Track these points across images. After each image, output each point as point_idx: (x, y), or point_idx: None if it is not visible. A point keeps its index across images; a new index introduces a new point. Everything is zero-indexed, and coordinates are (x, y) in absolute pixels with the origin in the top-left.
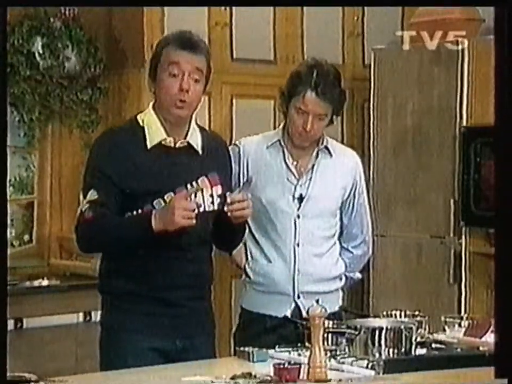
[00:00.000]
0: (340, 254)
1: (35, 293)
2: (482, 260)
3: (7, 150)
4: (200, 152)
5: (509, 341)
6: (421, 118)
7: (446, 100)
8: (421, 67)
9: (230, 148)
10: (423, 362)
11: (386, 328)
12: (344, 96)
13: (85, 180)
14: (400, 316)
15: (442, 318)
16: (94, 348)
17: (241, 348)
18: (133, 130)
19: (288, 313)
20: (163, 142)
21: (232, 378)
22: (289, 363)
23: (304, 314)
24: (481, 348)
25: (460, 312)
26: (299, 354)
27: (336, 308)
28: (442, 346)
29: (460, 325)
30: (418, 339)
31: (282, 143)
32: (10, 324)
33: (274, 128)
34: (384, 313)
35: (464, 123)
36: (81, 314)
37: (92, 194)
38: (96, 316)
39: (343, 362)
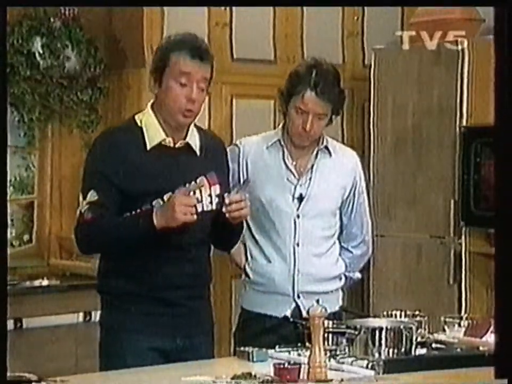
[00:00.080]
0: (340, 254)
1: (35, 293)
2: (482, 260)
3: (7, 150)
4: (198, 152)
5: (509, 341)
6: (421, 118)
7: (446, 100)
8: (420, 67)
9: (229, 148)
10: (423, 362)
11: (386, 328)
12: (343, 96)
13: (84, 181)
14: (400, 316)
15: (442, 318)
16: (94, 348)
17: (241, 348)
18: (132, 130)
19: (288, 313)
20: (162, 143)
21: (232, 378)
22: (289, 363)
23: (304, 314)
24: (481, 348)
25: (460, 312)
26: (299, 354)
27: (336, 308)
28: (442, 346)
29: (459, 325)
30: (418, 339)
31: (282, 143)
32: (10, 324)
33: (274, 128)
34: (384, 313)
35: (464, 123)
36: (81, 314)
37: (92, 195)
38: (96, 316)
39: (343, 362)
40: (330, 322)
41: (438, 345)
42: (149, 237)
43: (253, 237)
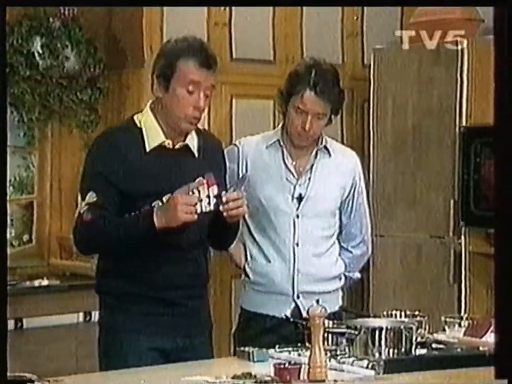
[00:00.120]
0: (339, 254)
1: (35, 293)
2: (482, 260)
3: (7, 150)
4: (196, 153)
5: (509, 341)
6: (421, 118)
7: (446, 100)
8: (420, 67)
9: (229, 148)
10: (423, 362)
11: (386, 328)
12: (343, 96)
13: (83, 182)
14: (400, 316)
15: (442, 318)
16: (94, 348)
17: (241, 348)
18: (131, 131)
19: (288, 313)
20: (162, 144)
21: (232, 378)
22: (289, 363)
23: (304, 314)
24: (481, 348)
25: (460, 312)
26: (299, 354)
27: (336, 308)
28: (442, 346)
29: (460, 325)
30: (418, 339)
31: (282, 143)
32: (10, 324)
33: (274, 128)
34: (384, 313)
35: (464, 123)
36: (81, 314)
37: (91, 196)
38: (96, 316)
39: (343, 362)
40: (330, 322)
41: (438, 345)
42: (149, 237)
43: (253, 237)
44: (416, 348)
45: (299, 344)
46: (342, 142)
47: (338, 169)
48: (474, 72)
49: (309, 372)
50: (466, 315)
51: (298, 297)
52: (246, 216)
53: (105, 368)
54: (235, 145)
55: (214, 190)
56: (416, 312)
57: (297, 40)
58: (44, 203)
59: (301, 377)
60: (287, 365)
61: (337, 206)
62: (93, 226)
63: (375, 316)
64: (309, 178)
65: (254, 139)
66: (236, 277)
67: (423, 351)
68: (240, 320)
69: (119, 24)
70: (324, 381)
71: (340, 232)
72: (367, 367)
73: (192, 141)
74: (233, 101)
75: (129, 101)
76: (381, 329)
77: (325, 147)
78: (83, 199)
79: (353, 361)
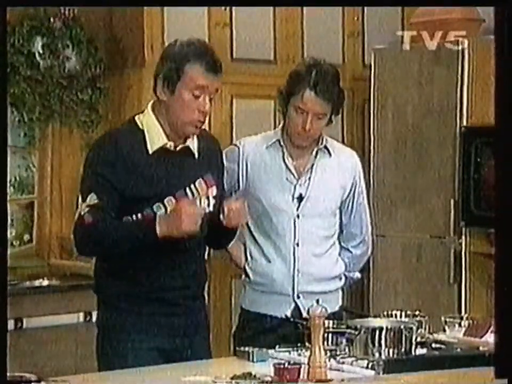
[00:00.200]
0: (340, 254)
1: (35, 293)
2: (482, 260)
3: (8, 150)
4: (197, 154)
5: (509, 341)
6: (421, 118)
7: (446, 100)
8: (421, 67)
9: (229, 148)
10: (423, 362)
11: (386, 328)
12: (343, 95)
13: (84, 183)
14: (400, 316)
15: (442, 318)
16: (94, 348)
17: (241, 348)
18: (133, 133)
19: (288, 313)
20: (164, 146)
21: (232, 378)
22: (289, 363)
23: (304, 314)
24: (481, 348)
25: (460, 312)
26: (299, 354)
27: (336, 308)
28: (442, 346)
29: (460, 325)
30: (418, 339)
31: (282, 143)
32: (10, 324)
33: (274, 128)
34: (384, 313)
35: (464, 123)
36: (81, 314)
37: (92, 198)
38: None
39: (343, 362)
40: (330, 322)
41: (438, 345)
42: (150, 243)
43: (253, 237)
44: (416, 347)
45: (299, 344)
46: (342, 142)
47: (338, 169)
48: (475, 72)
49: (308, 372)
50: (466, 315)
51: (298, 297)
52: None
53: (104, 368)
54: (235, 145)
55: (213, 190)
56: (416, 312)
57: (297, 40)
58: (44, 203)
59: (301, 377)
60: (287, 365)
61: (338, 205)
62: (93, 229)
63: (375, 316)
64: (309, 178)
65: (254, 139)
66: (236, 277)
67: (423, 351)
68: (240, 320)
69: (120, 24)
70: (328, 380)
71: (340, 232)
72: (367, 367)
73: (193, 142)
74: (234, 101)
75: (129, 101)
76: (381, 329)
77: (325, 147)
78: (84, 200)
79: (353, 361)
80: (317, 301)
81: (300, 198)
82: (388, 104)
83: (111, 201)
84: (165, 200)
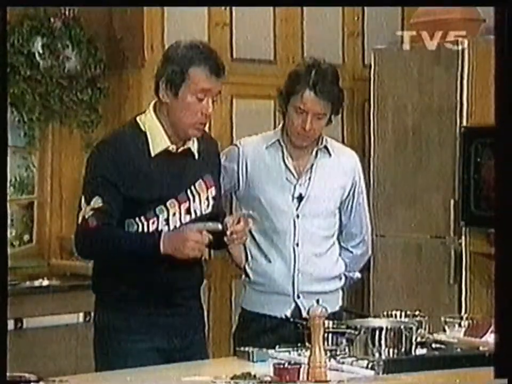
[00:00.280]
0: (340, 254)
1: (35, 293)
2: (482, 260)
3: (8, 150)
4: (197, 155)
5: (509, 341)
6: (421, 118)
7: (446, 100)
8: (421, 67)
9: (229, 148)
10: (423, 362)
11: (386, 328)
12: (342, 95)
13: (87, 185)
14: (400, 316)
15: (442, 318)
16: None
17: (241, 348)
18: (136, 135)
19: (288, 313)
20: (166, 149)
21: (232, 378)
22: (289, 363)
23: (304, 314)
24: (481, 348)
25: (460, 312)
26: (299, 354)
27: (336, 308)
28: (442, 346)
29: (460, 325)
30: (418, 339)
31: (282, 143)
32: (10, 324)
33: (274, 128)
34: (384, 313)
35: (464, 123)
36: (81, 314)
37: (97, 202)
38: None
39: (343, 362)
40: (330, 322)
41: (438, 345)
42: (152, 257)
43: (253, 237)
44: (416, 347)
45: (299, 344)
46: (342, 142)
47: (338, 169)
48: (475, 72)
49: (308, 372)
50: (466, 315)
51: (298, 297)
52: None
53: (103, 368)
54: (235, 145)
55: (212, 191)
56: (416, 312)
57: (297, 40)
58: (44, 203)
59: (301, 377)
60: (287, 365)
61: (337, 205)
62: (97, 233)
63: (375, 316)
64: (309, 178)
65: (254, 139)
66: (236, 277)
67: (423, 351)
68: (240, 320)
69: (120, 24)
70: (326, 381)
71: (340, 232)
72: (367, 367)
73: (193, 144)
74: (234, 101)
75: (129, 101)
76: (381, 329)
77: (325, 147)
78: (88, 203)
79: (353, 361)
80: (317, 301)
81: (300, 198)
82: (388, 104)
83: (116, 204)
84: (168, 203)
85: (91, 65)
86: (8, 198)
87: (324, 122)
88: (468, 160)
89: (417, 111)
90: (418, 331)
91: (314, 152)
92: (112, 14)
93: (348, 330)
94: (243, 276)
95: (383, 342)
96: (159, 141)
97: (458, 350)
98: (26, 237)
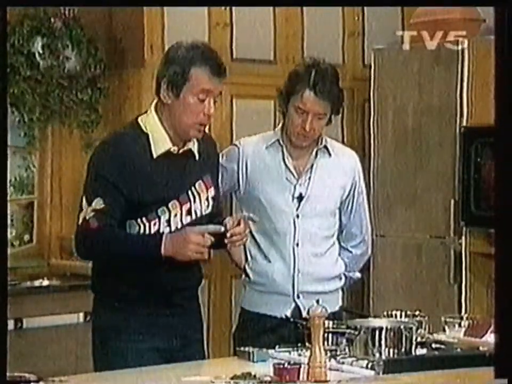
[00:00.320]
0: (340, 254)
1: (35, 293)
2: (482, 260)
3: (8, 150)
4: (197, 156)
5: (509, 341)
6: (421, 118)
7: (446, 100)
8: (421, 67)
9: (229, 148)
10: (423, 362)
11: (386, 328)
12: (342, 95)
13: (89, 186)
14: (400, 316)
15: (442, 318)
16: None
17: (241, 348)
18: (137, 136)
19: (288, 313)
20: (168, 150)
21: (232, 378)
22: (289, 363)
23: (304, 314)
24: (481, 348)
25: (460, 312)
26: (299, 354)
27: (336, 308)
28: (442, 346)
29: (460, 325)
30: (418, 339)
31: (281, 143)
32: (10, 324)
33: (274, 128)
34: (384, 313)
35: (464, 123)
36: (81, 314)
37: (98, 203)
38: None
39: (343, 362)
40: (330, 322)
41: (438, 345)
42: (152, 259)
43: (253, 237)
44: (416, 348)
45: (299, 344)
46: (342, 142)
47: (338, 169)
48: (475, 72)
49: (308, 372)
50: (466, 315)
51: (298, 297)
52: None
53: (102, 369)
54: (235, 145)
55: (212, 192)
56: (416, 312)
57: (297, 40)
58: (44, 203)
59: (301, 377)
60: (287, 365)
61: (337, 205)
62: (98, 234)
63: (375, 316)
64: (309, 178)
65: (254, 139)
66: (236, 277)
67: (423, 351)
68: (240, 320)
69: (120, 24)
70: (326, 381)
71: (340, 232)
72: (367, 367)
73: (194, 144)
74: (234, 101)
75: (129, 101)
76: (381, 329)
77: (325, 147)
78: (89, 204)
79: (353, 361)
80: (317, 301)
81: (300, 198)
82: (388, 104)
83: (117, 206)
84: (170, 204)
85: (91, 65)
86: (8, 198)
87: (324, 122)
88: (468, 160)
89: (417, 111)
90: (418, 331)
91: (314, 152)
92: (112, 14)
93: (348, 330)
94: (243, 276)
95: (383, 342)
96: (161, 142)
97: (458, 350)
98: (26, 237)
